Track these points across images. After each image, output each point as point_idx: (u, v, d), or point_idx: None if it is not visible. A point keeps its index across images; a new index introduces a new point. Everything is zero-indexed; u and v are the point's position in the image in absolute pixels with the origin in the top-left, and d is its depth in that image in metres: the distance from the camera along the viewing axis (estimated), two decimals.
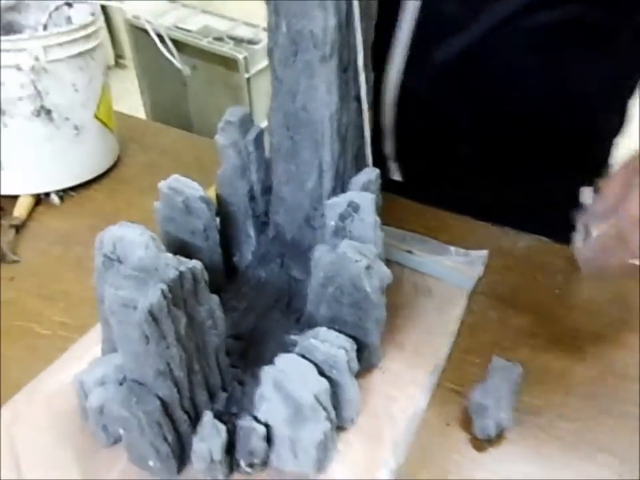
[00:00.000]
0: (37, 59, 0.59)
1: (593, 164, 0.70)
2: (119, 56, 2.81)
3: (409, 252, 0.61)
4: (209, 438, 0.39)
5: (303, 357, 0.42)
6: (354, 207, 0.45)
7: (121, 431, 0.40)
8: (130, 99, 1.79)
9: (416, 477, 0.43)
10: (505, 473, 0.43)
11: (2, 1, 0.68)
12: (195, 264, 0.38)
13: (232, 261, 0.55)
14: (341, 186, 0.50)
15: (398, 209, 0.67)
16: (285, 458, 0.42)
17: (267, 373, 0.41)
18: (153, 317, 0.34)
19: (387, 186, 0.53)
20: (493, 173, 0.68)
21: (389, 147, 0.70)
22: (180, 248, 0.49)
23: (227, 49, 1.63)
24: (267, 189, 0.54)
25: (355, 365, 0.44)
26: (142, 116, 1.78)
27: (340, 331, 0.45)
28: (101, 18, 0.68)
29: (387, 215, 0.60)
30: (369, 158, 0.51)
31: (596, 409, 0.47)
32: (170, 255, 0.37)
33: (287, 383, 0.40)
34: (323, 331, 0.44)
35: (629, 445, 0.45)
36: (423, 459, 0.44)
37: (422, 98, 0.63)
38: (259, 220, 0.55)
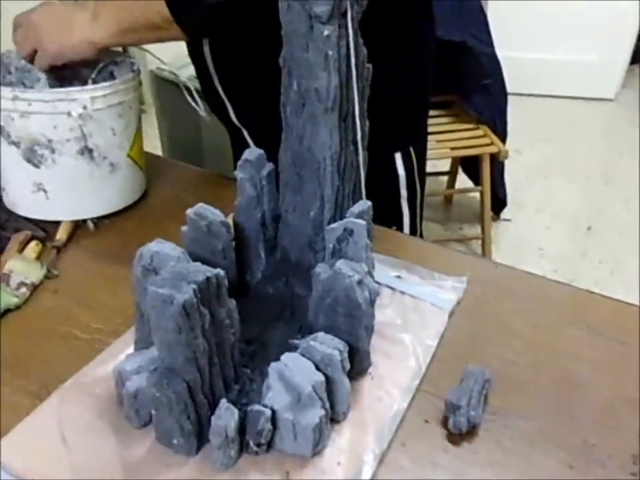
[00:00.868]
0: (85, 107, 0.70)
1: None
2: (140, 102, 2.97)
3: (398, 277, 0.70)
4: (225, 417, 0.47)
5: (304, 356, 0.51)
6: (349, 232, 0.54)
7: (152, 412, 0.48)
8: (147, 139, 1.92)
9: (397, 461, 0.51)
10: (474, 460, 0.51)
11: None
12: (219, 271, 0.47)
13: (244, 278, 0.64)
14: (339, 215, 0.59)
15: (389, 240, 0.76)
16: (287, 440, 0.50)
17: (273, 367, 0.50)
18: (185, 310, 0.43)
19: None
20: None
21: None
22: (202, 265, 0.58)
23: None
24: (276, 217, 0.63)
25: (347, 365, 0.52)
26: (159, 153, 1.90)
27: (335, 337, 0.53)
28: (142, 72, 0.79)
29: (379, 245, 0.70)
30: (363, 192, 0.60)
31: (553, 411, 0.55)
32: (199, 264, 0.46)
33: (290, 375, 0.49)
34: (320, 335, 0.53)
35: (580, 442, 0.53)
36: (403, 448, 0.52)
37: None
38: (268, 243, 0.64)
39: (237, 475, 0.48)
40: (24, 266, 0.66)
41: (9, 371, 0.57)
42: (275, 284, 0.64)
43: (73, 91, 0.70)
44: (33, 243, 0.71)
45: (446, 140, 1.94)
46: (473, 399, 0.54)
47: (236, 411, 0.48)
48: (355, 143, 0.58)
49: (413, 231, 0.98)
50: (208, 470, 0.48)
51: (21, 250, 0.69)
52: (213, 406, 0.49)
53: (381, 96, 0.63)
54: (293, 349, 0.54)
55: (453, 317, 0.66)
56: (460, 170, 2.25)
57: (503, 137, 2.01)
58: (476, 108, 1.98)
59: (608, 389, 0.57)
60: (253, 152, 0.61)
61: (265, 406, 0.49)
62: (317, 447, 0.50)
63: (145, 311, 0.52)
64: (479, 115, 1.98)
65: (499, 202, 2.19)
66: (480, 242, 2.06)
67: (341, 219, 0.59)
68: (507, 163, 2.07)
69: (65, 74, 0.81)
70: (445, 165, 2.32)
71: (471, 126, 1.98)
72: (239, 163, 0.61)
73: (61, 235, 0.73)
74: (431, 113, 1.98)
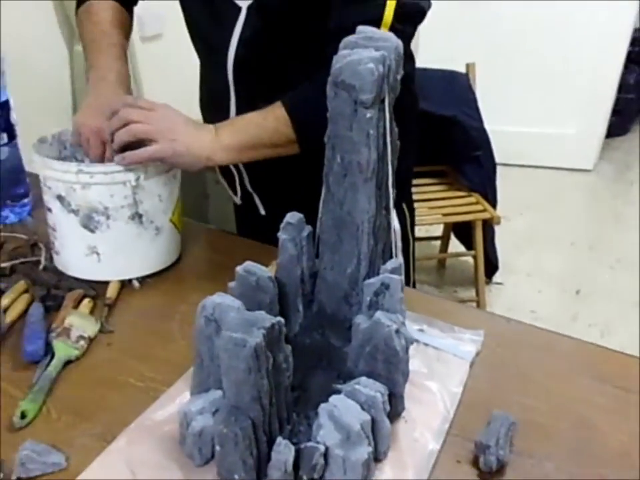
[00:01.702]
0: (138, 178, 0.78)
1: None
2: None
3: (421, 330, 0.77)
4: (284, 452, 0.52)
5: (349, 398, 0.56)
6: (386, 286, 0.61)
7: (217, 448, 0.52)
8: None
9: None
10: None
11: None
12: (280, 319, 0.53)
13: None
14: (373, 271, 0.66)
15: (412, 298, 0.83)
16: (337, 475, 0.54)
17: (324, 407, 0.55)
18: (256, 353, 0.49)
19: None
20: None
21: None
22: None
23: None
24: (314, 274, 0.70)
25: (387, 407, 0.58)
26: None
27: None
28: None
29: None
30: (396, 250, 0.67)
31: (572, 451, 0.61)
32: (263, 312, 0.53)
33: (339, 415, 0.54)
34: (363, 379, 0.58)
35: (597, 477, 0.58)
36: None
37: None
38: (306, 298, 0.70)
39: None
40: (82, 321, 0.71)
41: (74, 415, 0.62)
42: (312, 335, 0.70)
43: None
44: (85, 301, 0.77)
45: (439, 207, 2.05)
46: (501, 439, 0.59)
47: (293, 447, 0.53)
48: (387, 208, 0.66)
49: (407, 281, 1.04)
50: None
51: (76, 307, 0.75)
52: (270, 444, 0.54)
53: None
54: (334, 393, 0.59)
55: (474, 366, 0.72)
56: (452, 235, 2.35)
57: (493, 204, 2.13)
58: (467, 177, 2.10)
59: (619, 431, 0.63)
60: (294, 216, 0.68)
61: (318, 443, 0.54)
62: None
63: (206, 356, 0.57)
64: (471, 184, 2.10)
65: (491, 266, 2.28)
66: (475, 304, 2.13)
67: (374, 275, 0.66)
68: (496, 229, 2.18)
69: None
70: (437, 230, 2.43)
71: (463, 193, 2.10)
72: (282, 225, 0.68)
73: (111, 293, 0.80)
74: (426, 181, 2.13)
